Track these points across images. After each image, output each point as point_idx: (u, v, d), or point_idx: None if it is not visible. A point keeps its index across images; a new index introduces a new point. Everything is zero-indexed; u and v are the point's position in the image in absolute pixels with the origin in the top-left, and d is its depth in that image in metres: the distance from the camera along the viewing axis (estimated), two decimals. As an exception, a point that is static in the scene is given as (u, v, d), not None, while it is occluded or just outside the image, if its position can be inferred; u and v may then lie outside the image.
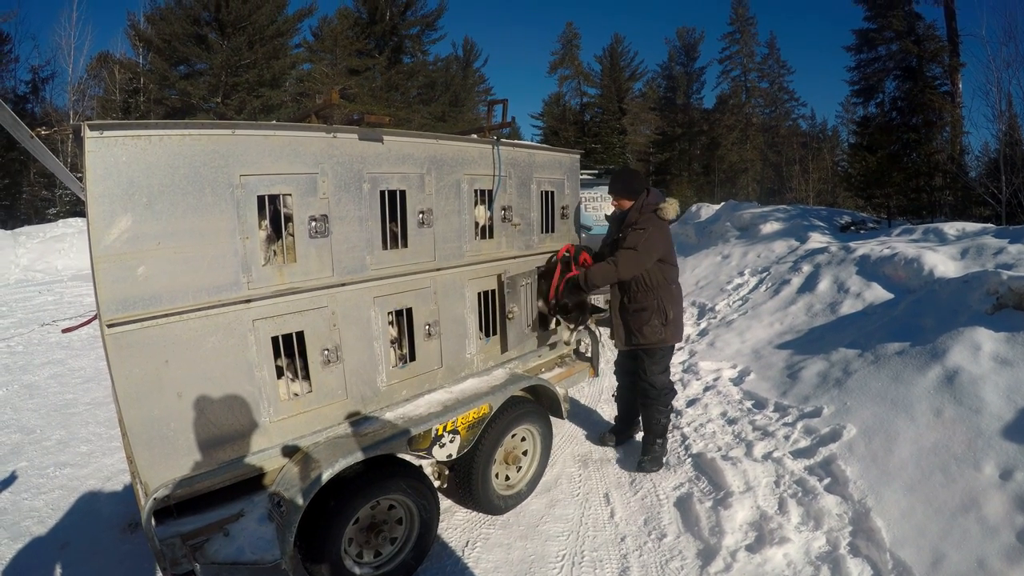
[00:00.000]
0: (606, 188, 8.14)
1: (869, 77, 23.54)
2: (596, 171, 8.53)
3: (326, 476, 2.72)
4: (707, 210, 16.69)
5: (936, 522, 3.22)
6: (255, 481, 2.82)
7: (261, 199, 2.64)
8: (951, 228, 8.30)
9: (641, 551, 3.62)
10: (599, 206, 7.89)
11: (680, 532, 3.74)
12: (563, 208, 4.67)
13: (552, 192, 4.52)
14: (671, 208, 4.22)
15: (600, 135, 34.75)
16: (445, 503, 4.11)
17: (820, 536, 3.44)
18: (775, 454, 4.37)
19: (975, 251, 6.70)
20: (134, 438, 2.38)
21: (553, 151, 4.62)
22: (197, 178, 2.42)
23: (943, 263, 6.52)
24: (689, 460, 4.59)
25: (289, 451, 2.90)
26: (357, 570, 3.14)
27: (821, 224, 11.77)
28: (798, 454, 4.32)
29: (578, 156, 4.87)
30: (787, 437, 4.58)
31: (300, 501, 2.62)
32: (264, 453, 2.80)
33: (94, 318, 2.46)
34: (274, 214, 2.79)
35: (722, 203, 16.91)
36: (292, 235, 2.81)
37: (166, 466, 2.48)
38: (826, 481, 3.91)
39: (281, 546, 2.61)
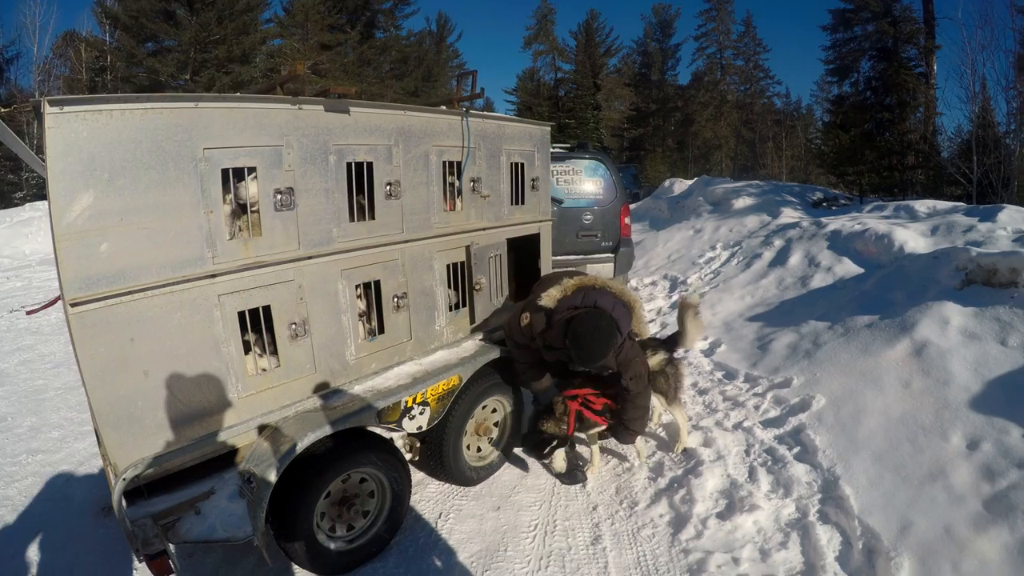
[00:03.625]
0: (578, 162, 8.18)
1: (844, 57, 23.67)
2: (568, 145, 8.41)
3: (296, 451, 2.70)
4: (680, 185, 16.76)
5: (904, 490, 3.25)
6: (225, 458, 2.78)
7: (225, 172, 2.58)
8: (922, 206, 8.40)
9: (613, 519, 3.62)
10: (571, 179, 7.80)
11: (651, 500, 3.74)
12: (533, 180, 4.62)
13: (522, 164, 4.46)
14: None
15: (574, 110, 34.60)
16: (417, 476, 4.07)
17: (790, 504, 3.46)
18: (745, 424, 4.39)
19: (945, 228, 6.77)
20: (101, 419, 2.34)
21: (523, 123, 4.56)
22: (160, 152, 2.36)
23: (913, 239, 6.59)
24: (661, 430, 4.59)
25: (259, 427, 2.85)
26: (330, 544, 3.12)
27: (793, 200, 11.87)
28: (768, 424, 4.35)
29: (548, 128, 4.82)
30: (757, 407, 4.60)
31: (270, 477, 2.60)
32: (233, 429, 2.75)
33: (58, 299, 2.36)
34: (238, 187, 2.71)
35: (695, 178, 16.97)
36: (257, 209, 2.74)
37: (135, 446, 2.44)
38: (795, 450, 3.93)
39: (253, 522, 2.60)
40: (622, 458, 4.25)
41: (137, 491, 2.50)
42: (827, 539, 3.14)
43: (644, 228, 13.36)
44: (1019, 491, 2.92)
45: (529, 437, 3.87)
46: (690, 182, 16.45)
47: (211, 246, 2.56)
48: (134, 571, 3.23)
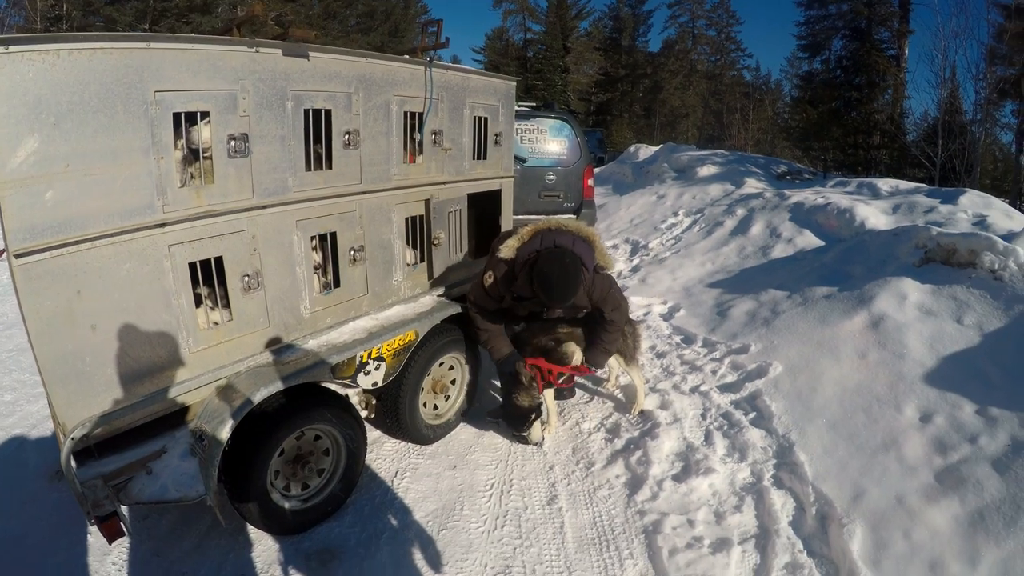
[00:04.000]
0: (543, 121, 7.98)
1: (817, 34, 23.62)
2: (534, 103, 8.22)
3: (248, 407, 2.63)
4: (645, 151, 16.68)
5: (857, 459, 3.28)
6: (177, 416, 2.71)
7: (177, 116, 2.46)
8: (885, 184, 8.50)
9: (569, 480, 3.58)
10: (535, 139, 7.64)
11: (608, 461, 3.70)
12: (496, 135, 4.49)
13: (486, 118, 4.34)
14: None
15: (542, 72, 34.20)
16: (374, 433, 3.97)
17: (745, 468, 3.47)
18: (702, 388, 4.38)
19: (907, 207, 6.87)
20: (48, 376, 2.26)
21: (488, 76, 4.40)
22: (108, 95, 2.23)
23: (875, 216, 6.66)
24: (618, 391, 4.55)
25: (211, 382, 2.77)
26: (285, 503, 3.04)
27: (758, 171, 11.90)
28: (725, 388, 4.35)
29: (514, 83, 4.66)
30: (714, 372, 4.60)
31: (222, 434, 2.54)
32: (185, 385, 2.67)
33: (3, 252, 2.16)
34: (190, 132, 2.59)
35: (661, 145, 16.91)
36: (210, 155, 2.63)
37: (83, 404, 2.36)
38: (751, 415, 3.94)
39: (205, 481, 2.55)
40: (579, 419, 4.19)
41: (87, 451, 2.44)
42: (781, 504, 3.15)
43: (607, 192, 13.26)
44: (970, 465, 2.96)
45: (507, 415, 3.80)
46: (655, 148, 16.37)
47: (161, 194, 2.45)
48: (88, 535, 3.07)
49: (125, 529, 2.47)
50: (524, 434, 3.80)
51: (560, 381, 3.78)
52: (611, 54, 42.72)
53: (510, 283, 3.48)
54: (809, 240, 6.84)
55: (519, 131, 7.50)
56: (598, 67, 42.57)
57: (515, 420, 3.81)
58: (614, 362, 4.41)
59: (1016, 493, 2.74)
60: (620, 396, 4.49)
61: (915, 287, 4.48)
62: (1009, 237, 4.46)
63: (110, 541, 2.47)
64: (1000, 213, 6.26)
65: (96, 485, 2.39)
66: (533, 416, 3.78)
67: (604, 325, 3.70)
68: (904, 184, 8.54)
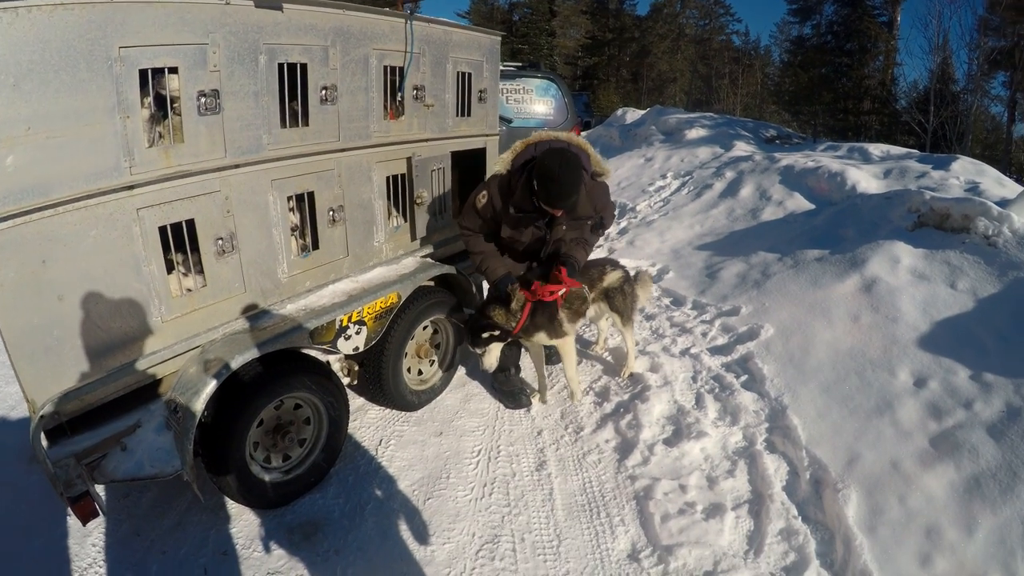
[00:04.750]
0: (529, 81, 7.75)
1: (809, -2, 23.32)
2: (520, 63, 8.01)
3: (222, 377, 2.55)
4: (632, 114, 16.45)
5: (851, 423, 3.22)
6: (151, 388, 2.64)
7: (143, 73, 2.33)
8: (876, 149, 8.40)
9: (558, 445, 3.50)
10: (521, 99, 7.44)
11: (597, 426, 3.63)
12: (481, 91, 4.33)
13: (469, 74, 4.17)
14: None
15: (528, 36, 33.81)
16: (357, 401, 3.87)
17: (737, 432, 3.41)
18: (692, 350, 4.31)
19: (898, 172, 6.78)
20: (14, 351, 2.17)
21: (472, 31, 4.23)
22: (70, 52, 2.10)
23: (866, 180, 6.56)
24: (607, 354, 4.46)
25: (185, 351, 2.69)
26: (266, 476, 2.96)
27: (747, 134, 11.75)
28: (715, 351, 4.28)
29: (499, 38, 4.48)
30: (705, 334, 4.52)
31: (196, 406, 2.46)
32: (158, 355, 2.58)
33: None
34: (157, 89, 2.47)
35: (648, 108, 16.67)
36: (179, 113, 2.52)
37: (52, 379, 2.28)
38: (743, 378, 3.87)
39: (181, 455, 2.49)
40: (566, 385, 4.08)
41: (59, 429, 2.36)
42: (774, 468, 3.09)
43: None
44: (965, 431, 2.91)
45: (472, 321, 3.52)
46: (643, 112, 16.12)
47: (128, 155, 2.33)
48: (68, 518, 2.94)
49: (100, 509, 2.38)
50: (479, 351, 3.47)
51: (552, 296, 3.46)
52: (598, 18, 41.97)
53: (507, 199, 3.26)
54: (799, 203, 6.73)
55: (504, 92, 7.31)
56: (585, 31, 41.86)
57: (476, 331, 3.46)
58: (604, 324, 4.32)
59: (1012, 460, 2.69)
60: (609, 359, 4.40)
61: (908, 251, 4.41)
62: (1003, 203, 4.38)
63: (84, 522, 2.38)
64: (992, 180, 6.19)
65: (68, 464, 2.30)
66: (497, 334, 3.43)
67: (595, 229, 3.64)
68: (895, 149, 8.45)
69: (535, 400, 3.91)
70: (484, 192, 3.36)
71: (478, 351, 3.47)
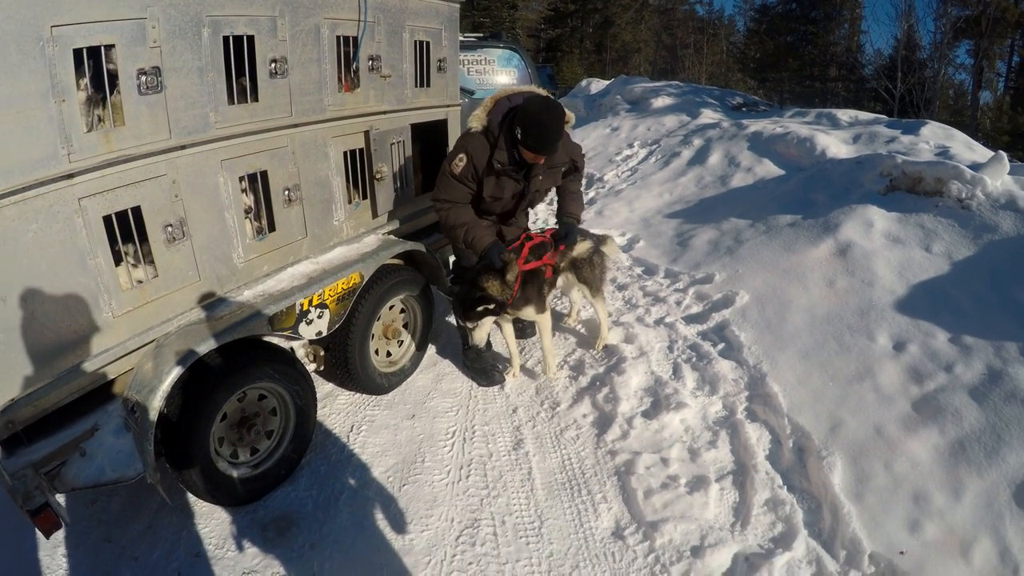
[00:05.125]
0: (491, 51, 7.52)
1: (773, -34, 23.22)
2: (481, 34, 7.79)
3: (177, 372, 2.41)
4: (597, 84, 16.28)
5: (832, 389, 3.17)
6: (108, 388, 2.51)
7: (78, 53, 2.18)
8: (844, 115, 8.36)
9: (534, 422, 3.40)
10: (483, 70, 7.23)
11: (573, 400, 3.53)
12: (440, 61, 4.15)
13: (427, 43, 3.99)
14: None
15: (490, 9, 33.10)
16: (326, 387, 3.72)
17: (716, 401, 3.34)
18: (667, 320, 4.22)
19: (867, 137, 6.75)
20: None
21: None
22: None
23: (835, 145, 6.52)
24: (580, 326, 4.35)
25: (139, 347, 2.55)
26: (234, 472, 2.84)
27: (713, 102, 11.67)
28: (691, 320, 4.20)
29: (458, 5, 4.27)
30: (679, 303, 4.44)
31: (153, 404, 2.35)
32: (111, 353, 2.44)
33: None
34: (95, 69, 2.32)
35: (612, 79, 16.51)
36: (119, 92, 2.37)
37: (1, 386, 2.15)
38: (720, 346, 3.81)
39: (142, 457, 2.38)
40: (541, 358, 3.97)
41: (15, 438, 2.23)
42: (756, 438, 3.04)
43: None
44: (947, 394, 2.88)
45: (463, 294, 3.35)
46: (607, 82, 15.95)
47: (66, 141, 2.18)
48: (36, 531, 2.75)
49: (62, 520, 2.27)
50: (470, 326, 3.35)
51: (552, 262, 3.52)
52: (560, -11, 41.34)
53: (488, 158, 3.18)
54: (769, 169, 6.67)
55: (466, 63, 7.08)
56: (547, 3, 41.23)
57: (469, 304, 3.32)
58: (576, 295, 4.22)
59: (996, 423, 2.67)
60: (582, 331, 4.30)
61: (881, 215, 4.38)
62: (975, 167, 4.36)
63: (47, 535, 2.28)
64: (962, 145, 6.18)
65: (26, 475, 2.19)
66: (491, 308, 3.31)
67: (573, 176, 3.63)
68: (864, 115, 8.42)
69: (508, 376, 3.80)
70: (460, 155, 3.21)
71: (469, 325, 3.35)
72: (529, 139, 3.02)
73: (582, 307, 4.41)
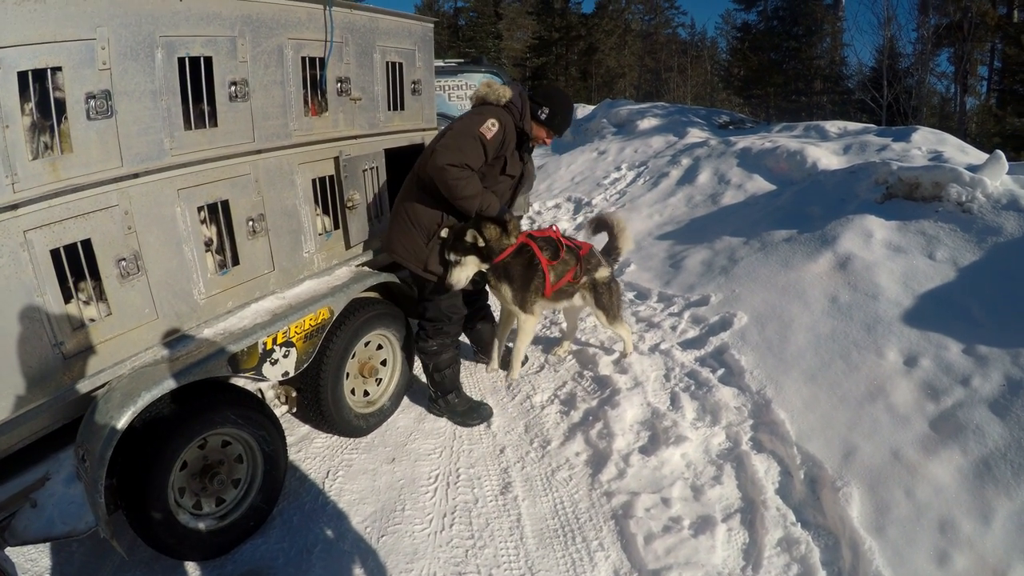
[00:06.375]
0: (472, 76, 7.44)
1: (751, -15, 23.61)
2: (462, 59, 7.74)
3: (127, 418, 2.24)
4: (583, 109, 16.45)
5: (843, 412, 2.95)
6: (60, 435, 2.35)
7: (23, 76, 2.07)
8: (833, 126, 8.31)
9: (523, 462, 3.15)
10: (464, 95, 7.15)
11: (565, 438, 3.29)
12: (414, 83, 4.00)
13: (400, 64, 3.85)
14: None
15: (475, 39, 33.67)
16: (302, 429, 3.49)
17: (719, 432, 3.11)
18: (662, 346, 4.00)
19: (858, 147, 6.65)
20: None
21: (401, 17, 3.88)
22: None
23: (826, 157, 6.40)
24: (570, 357, 4.13)
25: (91, 390, 2.36)
26: (199, 524, 2.62)
27: (700, 121, 11.67)
28: (687, 345, 3.99)
29: (431, 25, 4.17)
30: (674, 328, 4.24)
31: (104, 452, 2.18)
32: (62, 397, 2.27)
33: None
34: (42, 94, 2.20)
35: (598, 104, 16.63)
36: (67, 117, 2.25)
37: None
38: (720, 372, 3.59)
39: (93, 509, 2.21)
40: (529, 392, 3.76)
41: None
42: (764, 470, 2.80)
43: (546, 152, 12.83)
44: (966, 410, 2.67)
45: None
46: (593, 107, 16.02)
47: (9, 170, 2.05)
48: None
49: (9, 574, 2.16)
50: (454, 259, 3.16)
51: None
52: (544, 18, 42.00)
53: (516, 133, 3.19)
54: (760, 185, 6.54)
55: (447, 88, 6.97)
56: (532, 32, 41.91)
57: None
58: (571, 324, 4.18)
59: (1021, 437, 2.46)
60: (572, 361, 4.07)
61: (880, 224, 4.22)
62: (972, 169, 4.21)
63: None
64: (955, 148, 6.08)
65: None
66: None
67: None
68: (852, 125, 8.38)
69: (487, 370, 3.74)
70: (493, 120, 3.01)
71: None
72: (557, 119, 3.23)
73: (572, 340, 4.21)
